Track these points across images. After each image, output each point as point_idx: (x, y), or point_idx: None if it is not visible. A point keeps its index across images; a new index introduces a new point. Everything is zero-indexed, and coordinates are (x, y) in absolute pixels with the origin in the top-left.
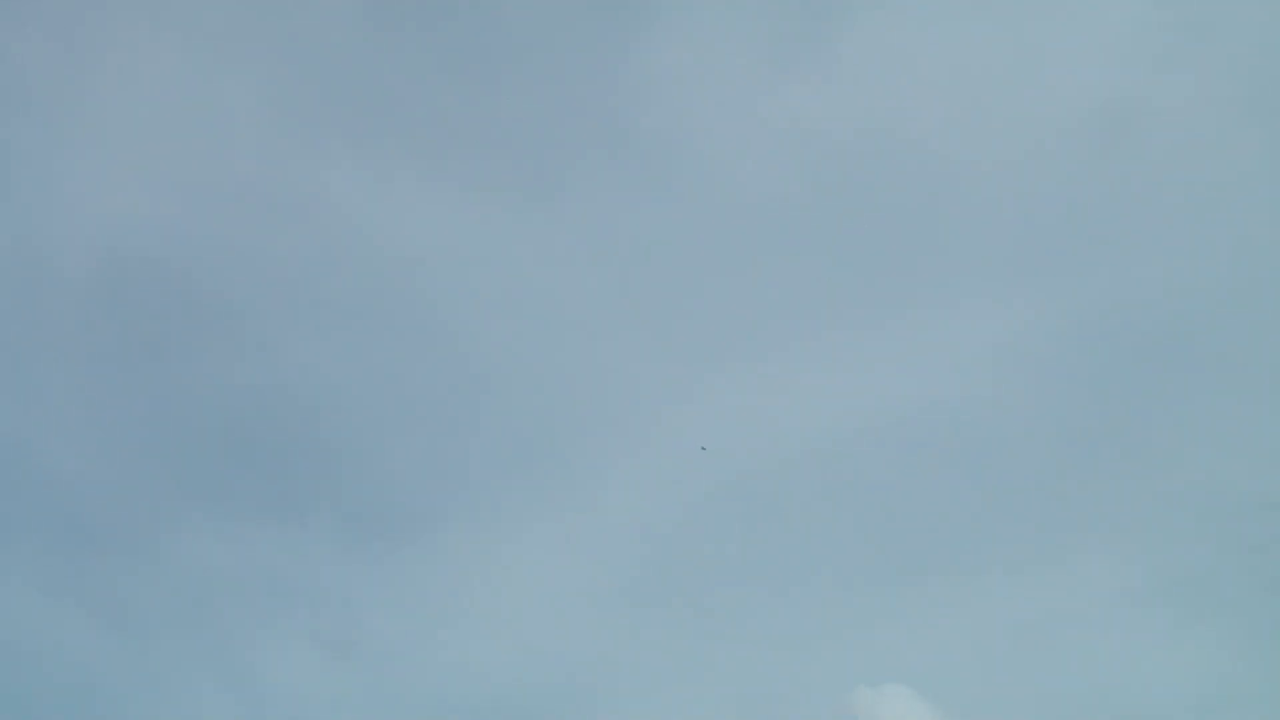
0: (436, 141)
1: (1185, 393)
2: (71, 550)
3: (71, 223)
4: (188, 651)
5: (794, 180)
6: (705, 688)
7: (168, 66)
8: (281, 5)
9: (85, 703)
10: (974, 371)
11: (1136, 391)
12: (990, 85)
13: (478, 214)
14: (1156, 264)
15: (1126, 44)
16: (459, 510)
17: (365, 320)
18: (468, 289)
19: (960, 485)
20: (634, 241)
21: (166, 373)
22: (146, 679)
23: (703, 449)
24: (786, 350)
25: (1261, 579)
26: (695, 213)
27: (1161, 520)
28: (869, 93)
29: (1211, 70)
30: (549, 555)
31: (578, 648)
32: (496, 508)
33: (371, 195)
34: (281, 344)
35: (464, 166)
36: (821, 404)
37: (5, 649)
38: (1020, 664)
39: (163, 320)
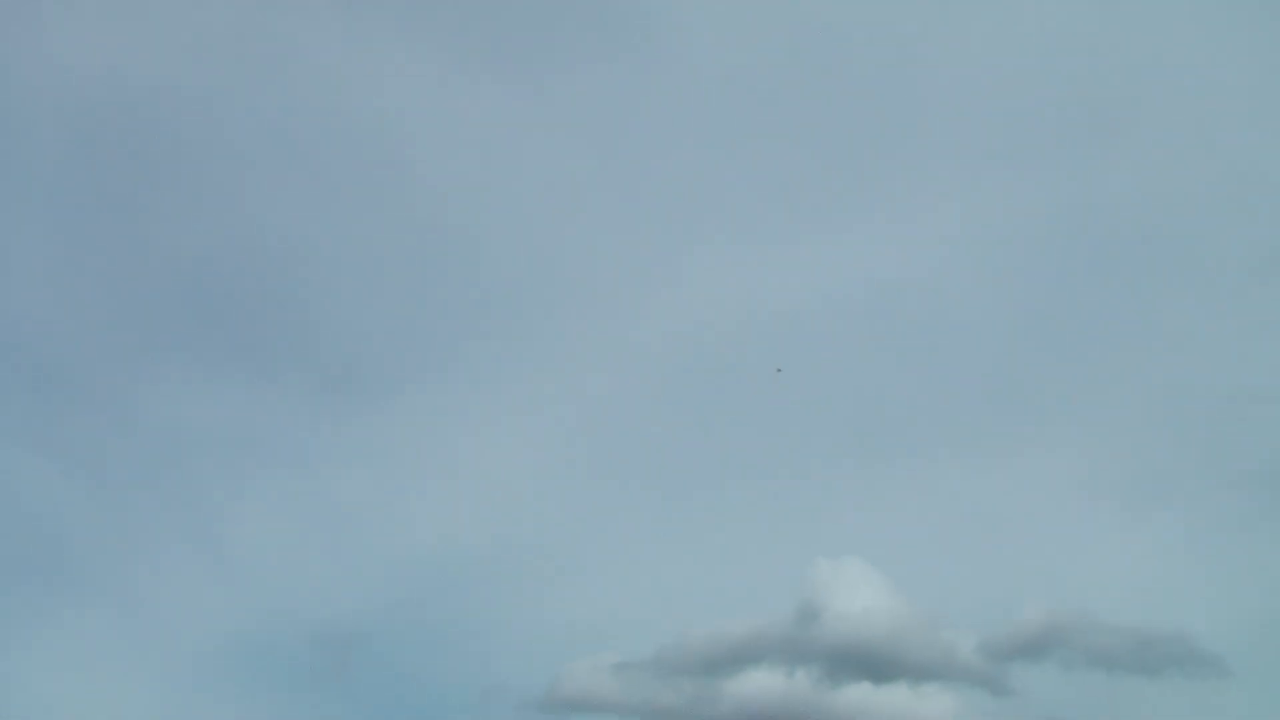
0: (421, 7)
1: (1150, 290)
2: (42, 403)
3: (45, 74)
4: (157, 506)
5: (783, 62)
6: (669, 556)
7: None
8: None
9: (55, 556)
10: (948, 259)
11: (1104, 287)
12: None
13: (461, 81)
14: (1129, 166)
15: None
16: (432, 372)
17: (344, 181)
18: (448, 154)
19: (928, 369)
20: (619, 116)
21: (140, 226)
22: (116, 533)
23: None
24: (763, 229)
25: (1218, 474)
26: (681, 90)
27: (1122, 413)
28: None
29: None
30: (520, 420)
31: (544, 513)
32: (469, 371)
33: (354, 56)
34: (259, 201)
35: (448, 34)
36: (795, 283)
37: None
38: (974, 544)
39: (137, 173)
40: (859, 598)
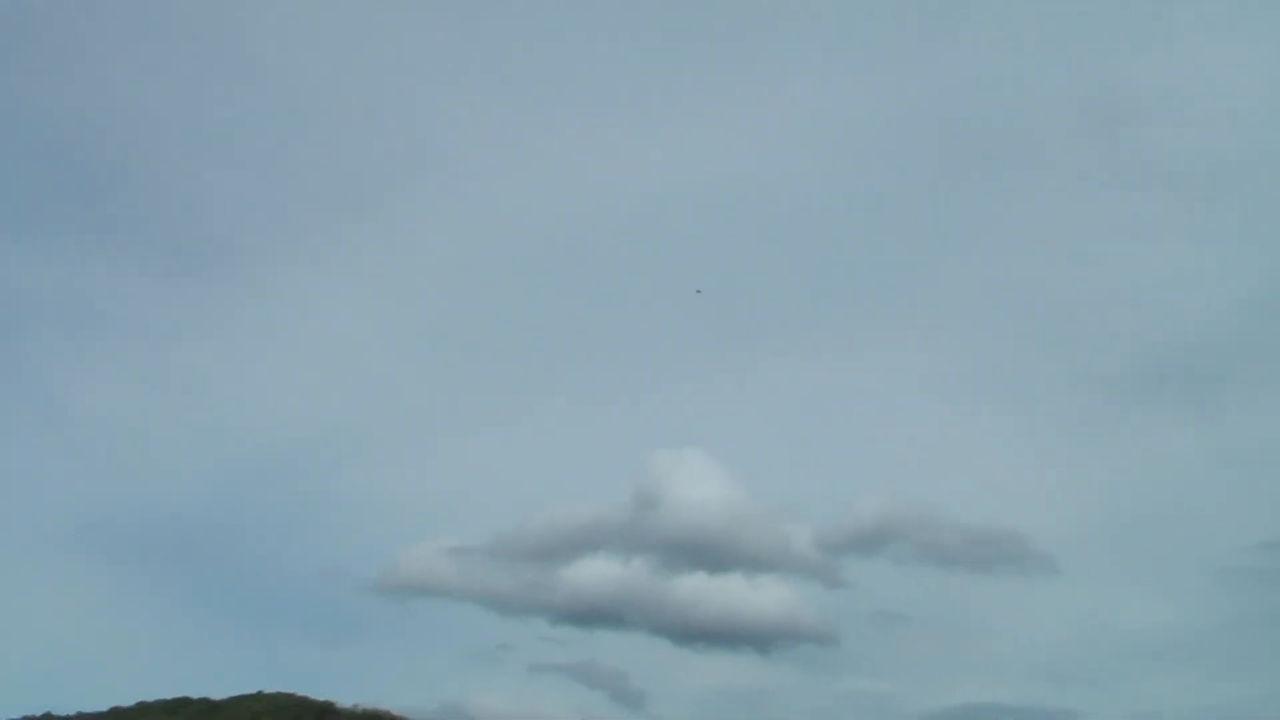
0: None
1: (1001, 192)
2: None
3: None
4: None
5: None
6: (508, 440)
7: None
8: None
9: None
10: (804, 151)
11: (955, 188)
12: None
13: None
14: (986, 69)
15: None
16: (279, 249)
17: (191, 51)
18: (299, 31)
19: (776, 263)
20: None
21: None
22: None
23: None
24: (619, 115)
25: (1058, 378)
26: None
27: (967, 313)
28: None
29: None
30: (364, 300)
31: (386, 389)
32: (316, 249)
33: None
34: (104, 69)
35: None
36: (648, 170)
37: None
38: (814, 439)
39: None
40: (697, 488)
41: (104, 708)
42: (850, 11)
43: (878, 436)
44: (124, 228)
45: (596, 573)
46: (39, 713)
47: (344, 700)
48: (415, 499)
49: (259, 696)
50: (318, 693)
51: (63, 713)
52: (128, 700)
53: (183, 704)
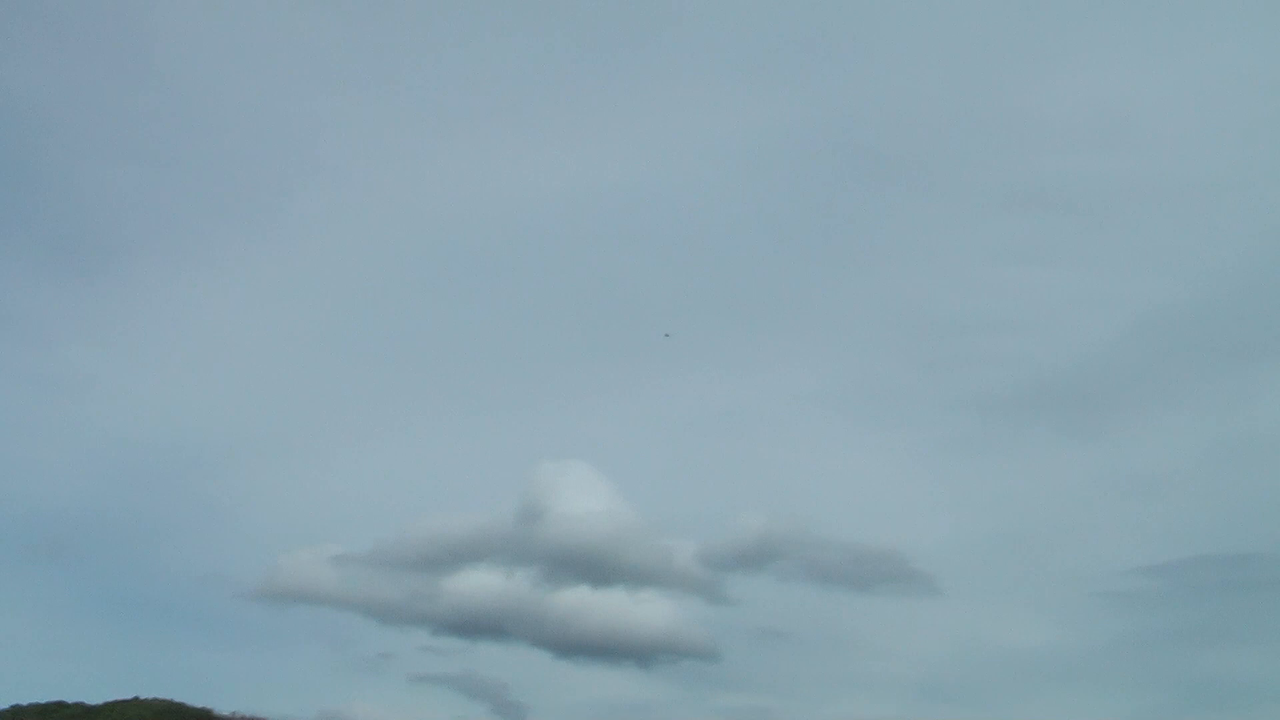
0: None
1: (895, 213)
2: None
3: None
4: None
5: None
6: (393, 448)
7: None
8: None
9: None
10: (700, 167)
11: (849, 207)
12: None
13: None
14: (885, 90)
15: None
16: (166, 247)
17: (77, 49)
18: (187, 27)
19: (667, 275)
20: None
21: None
22: None
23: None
24: (518, 126)
25: (942, 399)
26: None
27: (855, 332)
28: None
29: None
30: (249, 302)
31: (271, 394)
32: (203, 249)
33: None
34: None
35: None
36: (541, 178)
37: None
38: (700, 454)
39: None
40: (582, 501)
41: None
42: (749, 31)
43: (764, 453)
44: (4, 226)
45: (479, 584)
46: None
47: (222, 707)
48: (298, 505)
49: (135, 702)
50: (195, 699)
51: None
52: (1, 704)
53: (57, 708)
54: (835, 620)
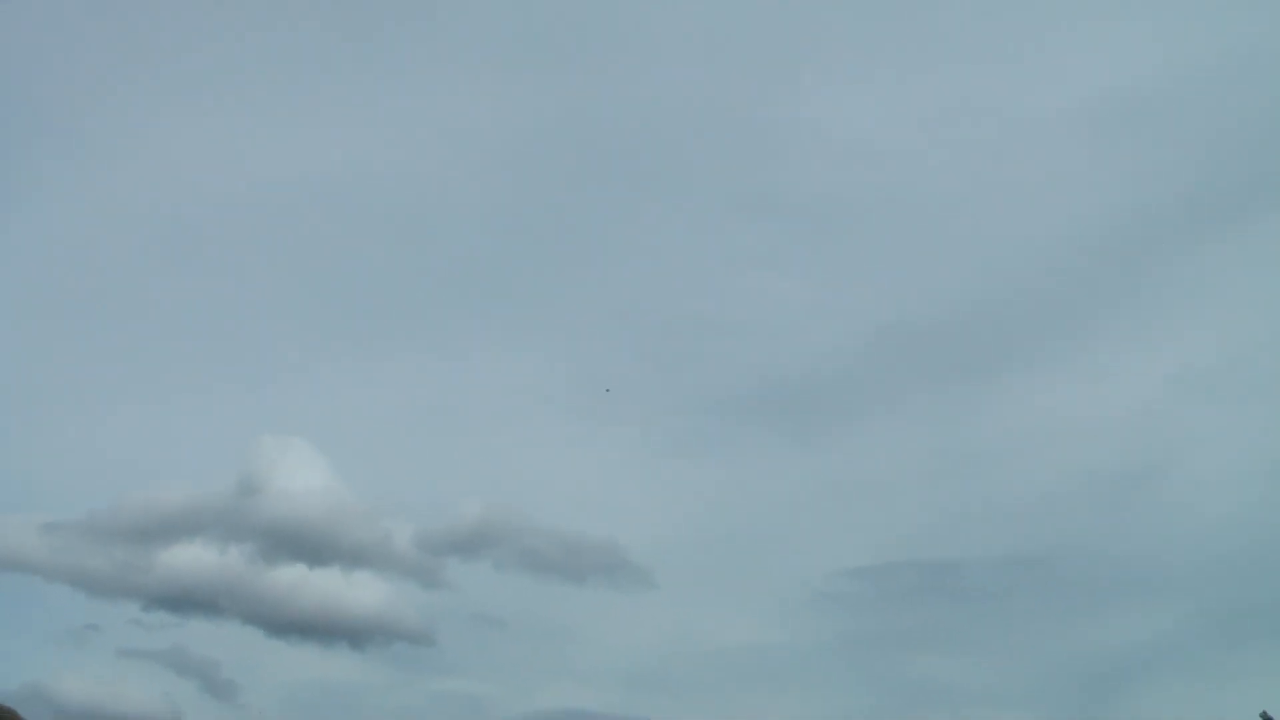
0: None
1: (634, 211)
2: None
3: None
4: None
5: None
6: (107, 415)
7: None
8: None
9: None
10: (441, 152)
11: (584, 204)
12: None
13: None
14: (638, 88)
15: None
16: None
17: None
18: None
19: (401, 258)
20: None
21: None
22: None
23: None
24: (251, 97)
25: (672, 397)
26: None
27: (583, 326)
28: None
29: None
30: None
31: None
32: None
33: None
34: None
35: None
36: (276, 156)
37: None
38: (422, 437)
39: None
40: (301, 478)
41: None
42: (495, 19)
43: (487, 441)
44: None
45: (193, 558)
46: None
47: None
48: (6, 472)
49: None
50: None
51: None
52: None
53: None
54: (550, 609)
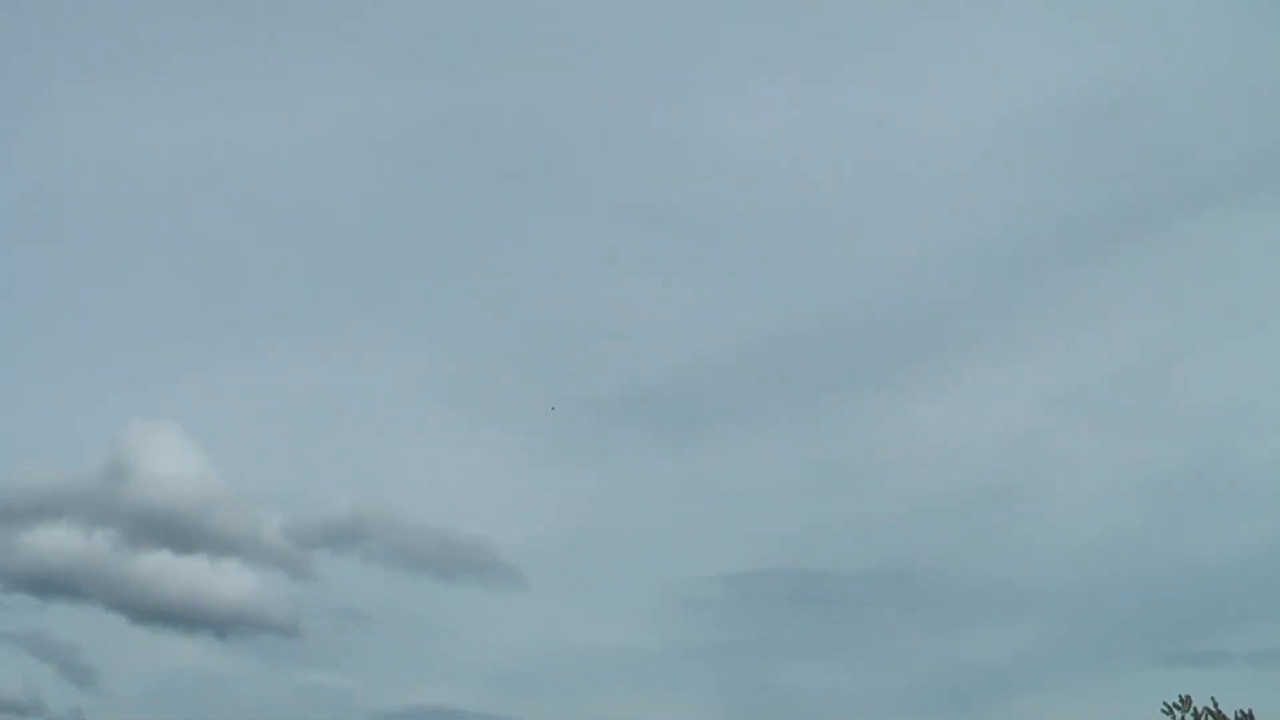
0: None
1: (516, 215)
2: None
3: None
4: None
5: None
6: None
7: None
8: None
9: None
10: (327, 147)
11: (472, 204)
12: None
13: None
14: (520, 93)
15: None
16: None
17: None
18: None
19: (282, 250)
20: None
21: None
22: None
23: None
24: (144, 76)
25: (547, 398)
26: None
27: (464, 326)
28: None
29: None
30: None
31: None
32: None
33: None
34: None
35: None
36: (162, 137)
37: None
38: (295, 428)
39: None
40: (171, 464)
41: None
42: (386, 12)
43: (361, 435)
44: None
45: (57, 541)
46: None
47: None
48: None
49: None
50: None
51: None
52: None
53: None
54: (419, 606)
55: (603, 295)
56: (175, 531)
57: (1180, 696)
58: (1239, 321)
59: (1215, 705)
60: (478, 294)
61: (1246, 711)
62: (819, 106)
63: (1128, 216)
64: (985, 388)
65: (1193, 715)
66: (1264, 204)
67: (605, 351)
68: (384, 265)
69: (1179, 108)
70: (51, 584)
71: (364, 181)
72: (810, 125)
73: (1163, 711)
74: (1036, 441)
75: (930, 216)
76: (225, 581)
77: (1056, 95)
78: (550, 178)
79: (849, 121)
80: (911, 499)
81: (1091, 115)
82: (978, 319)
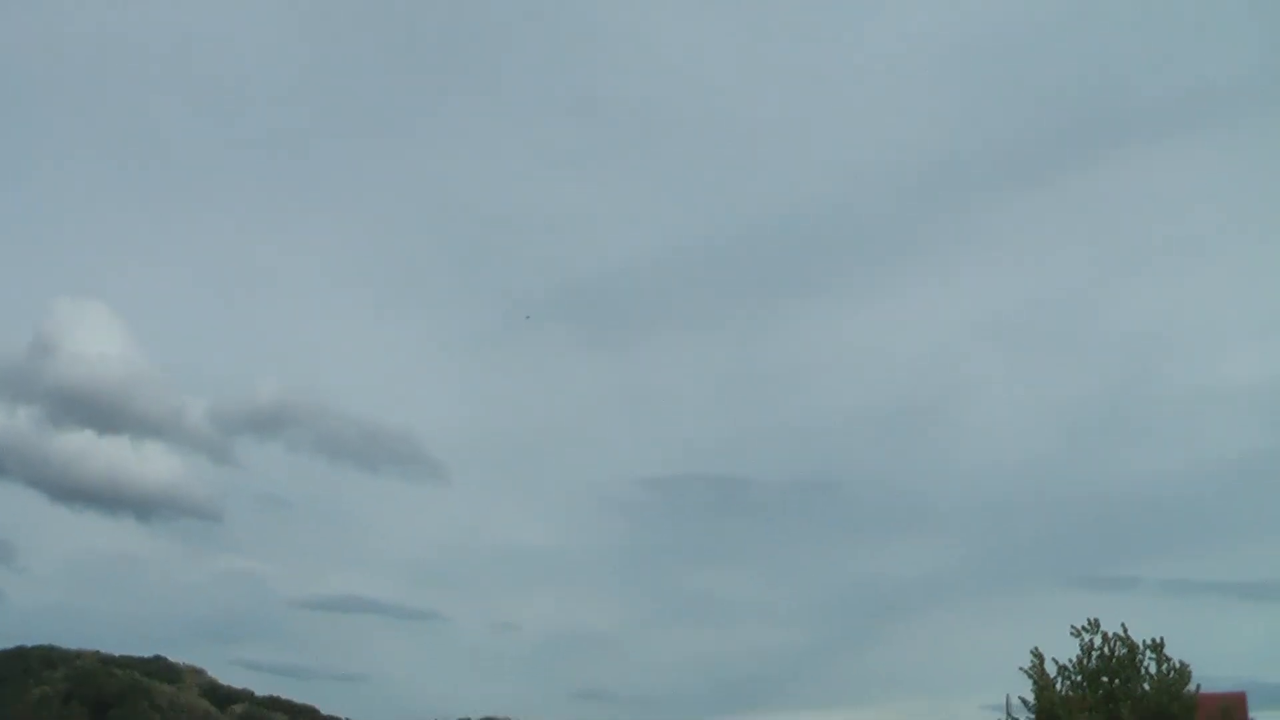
0: None
1: (446, 106)
2: None
3: None
4: None
5: None
6: None
7: None
8: None
9: None
10: (253, 18)
11: (401, 91)
12: None
13: None
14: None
15: None
16: None
17: None
18: None
19: (209, 126)
20: None
21: None
22: None
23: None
24: None
25: (478, 292)
26: None
27: (392, 214)
28: None
29: None
30: None
31: None
32: None
33: None
34: None
35: None
36: (86, 9)
37: None
38: (222, 312)
39: None
40: (95, 343)
41: None
42: None
43: (288, 322)
44: None
45: None
46: None
47: None
48: None
49: None
50: None
51: None
52: None
53: None
54: (342, 496)
55: (533, 189)
56: (98, 411)
57: (1088, 619)
58: (1158, 254)
59: (1125, 630)
60: (406, 183)
61: (1158, 640)
62: (756, 12)
63: (1055, 146)
64: (911, 305)
65: (1100, 639)
66: (1188, 140)
67: (531, 247)
68: (313, 148)
69: (1110, 41)
70: None
71: (295, 62)
72: (747, 31)
73: (1071, 634)
74: (958, 361)
75: (863, 130)
76: (148, 464)
77: (997, 20)
78: (481, 70)
79: (785, 30)
80: (834, 411)
81: (1027, 44)
82: (905, 235)
